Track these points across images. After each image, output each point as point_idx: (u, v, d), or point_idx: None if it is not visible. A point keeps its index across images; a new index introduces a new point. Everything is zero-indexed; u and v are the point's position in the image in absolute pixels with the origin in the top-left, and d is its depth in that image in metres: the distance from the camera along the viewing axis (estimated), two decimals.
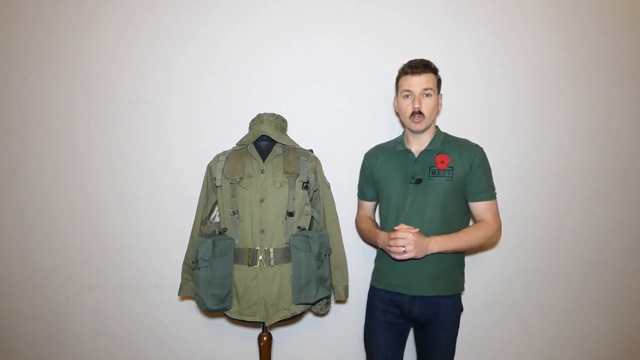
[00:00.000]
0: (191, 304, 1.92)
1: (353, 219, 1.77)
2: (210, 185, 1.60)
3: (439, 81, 1.48)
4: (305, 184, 1.53)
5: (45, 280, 1.92)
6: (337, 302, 1.87)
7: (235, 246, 1.50)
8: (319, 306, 1.63)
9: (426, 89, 1.43)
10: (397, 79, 1.51)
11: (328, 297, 1.63)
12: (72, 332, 1.95)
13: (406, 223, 1.42)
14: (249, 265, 1.49)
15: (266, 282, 1.48)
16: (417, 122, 1.44)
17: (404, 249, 1.35)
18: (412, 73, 1.43)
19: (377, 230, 1.53)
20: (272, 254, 1.49)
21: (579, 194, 1.96)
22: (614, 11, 1.92)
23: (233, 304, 1.51)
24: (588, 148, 1.95)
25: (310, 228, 1.60)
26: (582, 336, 2.04)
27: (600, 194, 1.98)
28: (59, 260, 1.91)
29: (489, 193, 1.48)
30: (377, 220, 1.70)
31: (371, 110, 1.89)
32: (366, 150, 1.69)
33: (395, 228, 1.40)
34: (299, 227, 1.53)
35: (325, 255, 1.52)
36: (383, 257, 1.55)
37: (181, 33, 1.85)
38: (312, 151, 1.64)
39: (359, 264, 1.84)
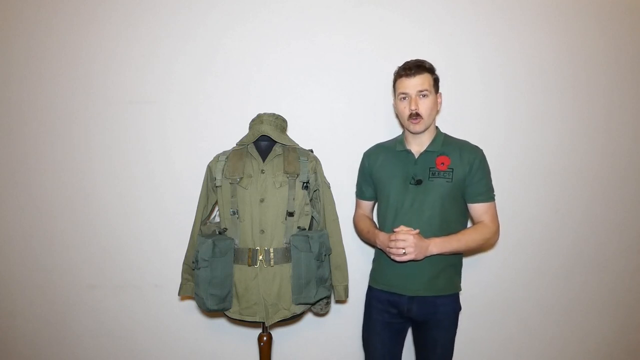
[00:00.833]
0: (191, 304, 1.92)
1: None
2: (210, 185, 1.60)
3: (435, 80, 1.47)
4: (305, 184, 1.53)
5: (45, 280, 1.92)
6: (337, 302, 1.87)
7: (235, 246, 1.50)
8: (319, 306, 1.63)
9: (421, 91, 1.42)
10: (394, 82, 1.51)
11: (328, 297, 1.62)
12: (72, 332, 1.95)
13: (405, 223, 1.42)
14: (249, 265, 1.49)
15: (266, 282, 1.48)
16: (415, 123, 1.44)
17: (404, 251, 1.35)
18: (407, 75, 1.43)
19: (377, 231, 1.53)
20: (272, 254, 1.49)
21: (579, 194, 1.96)
22: (614, 11, 1.92)
23: (233, 304, 1.51)
24: (588, 148, 1.95)
25: (310, 228, 1.60)
26: (582, 336, 2.04)
27: (600, 194, 1.98)
28: (59, 260, 1.91)
29: (488, 195, 1.48)
30: (375, 220, 1.70)
31: (371, 110, 1.89)
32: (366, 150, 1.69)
33: (396, 230, 1.40)
34: (299, 227, 1.53)
35: (325, 255, 1.52)
36: (381, 257, 1.55)
37: (181, 33, 1.85)
38: (312, 151, 1.64)
39: (358, 264, 1.84)
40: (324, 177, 1.61)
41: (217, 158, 1.59)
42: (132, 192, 1.89)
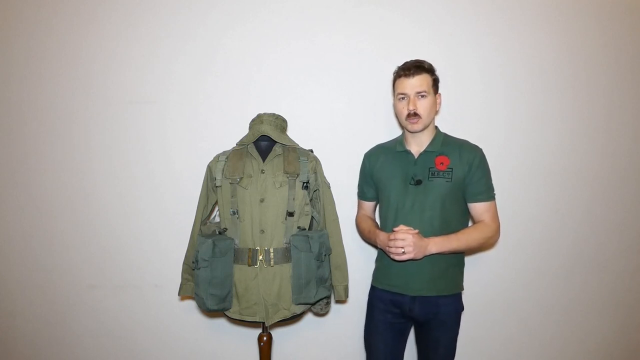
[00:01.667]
0: (191, 304, 1.92)
1: (353, 219, 1.77)
2: (210, 185, 1.60)
3: (435, 81, 1.47)
4: (305, 184, 1.53)
5: (45, 280, 1.92)
6: (337, 302, 1.87)
7: (235, 246, 1.50)
8: (319, 306, 1.63)
9: (420, 92, 1.42)
10: (393, 82, 1.51)
11: (328, 297, 1.63)
12: (72, 332, 1.95)
13: (405, 223, 1.42)
14: (249, 265, 1.49)
15: (266, 282, 1.48)
16: (413, 123, 1.44)
17: (403, 250, 1.35)
18: (405, 75, 1.43)
19: (377, 231, 1.54)
20: (272, 254, 1.49)
21: (579, 194, 1.96)
22: (614, 11, 1.92)
23: (233, 304, 1.51)
24: (588, 148, 1.95)
25: (310, 228, 1.60)
26: (582, 336, 2.04)
27: (600, 194, 1.98)
28: (59, 260, 1.91)
29: (488, 194, 1.48)
30: (377, 220, 1.70)
31: (371, 110, 1.89)
32: (366, 150, 1.69)
33: (395, 229, 1.40)
34: (299, 227, 1.53)
35: (325, 255, 1.52)
36: (384, 257, 1.55)
37: (181, 33, 1.85)
38: (312, 151, 1.64)
39: (359, 264, 1.84)
40: (324, 177, 1.61)
41: (217, 158, 1.59)
42: (132, 192, 1.89)
